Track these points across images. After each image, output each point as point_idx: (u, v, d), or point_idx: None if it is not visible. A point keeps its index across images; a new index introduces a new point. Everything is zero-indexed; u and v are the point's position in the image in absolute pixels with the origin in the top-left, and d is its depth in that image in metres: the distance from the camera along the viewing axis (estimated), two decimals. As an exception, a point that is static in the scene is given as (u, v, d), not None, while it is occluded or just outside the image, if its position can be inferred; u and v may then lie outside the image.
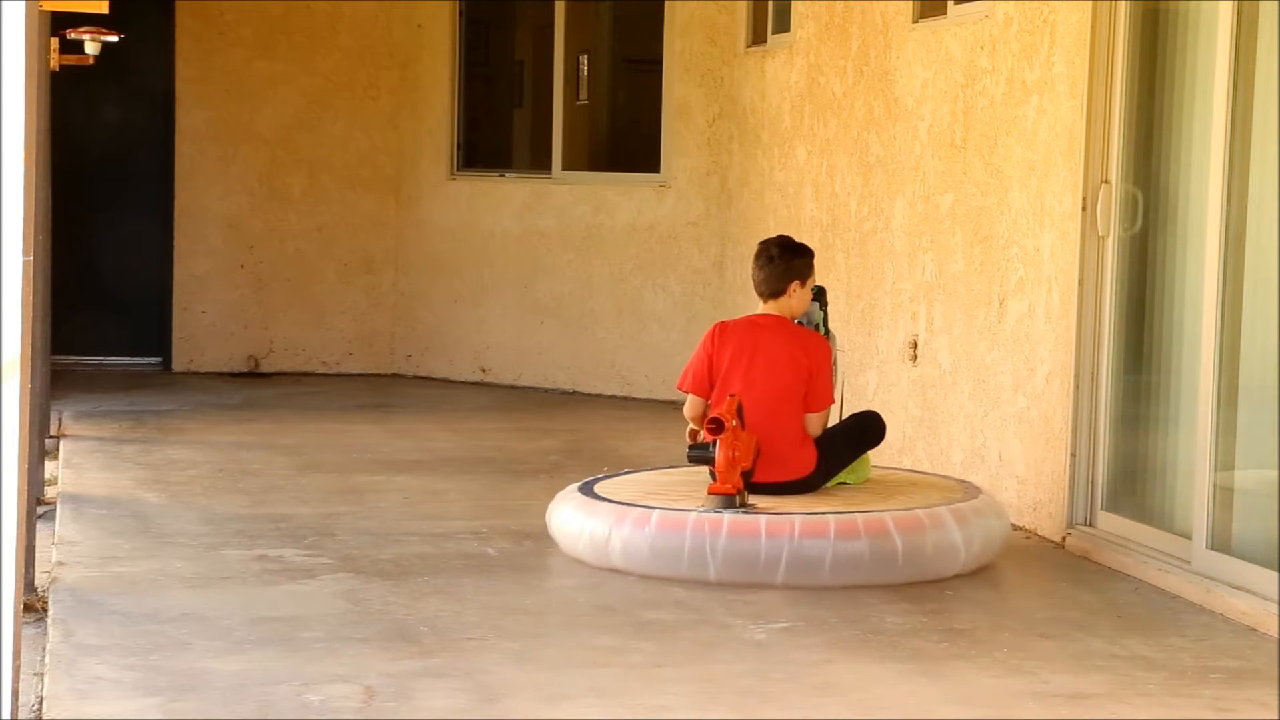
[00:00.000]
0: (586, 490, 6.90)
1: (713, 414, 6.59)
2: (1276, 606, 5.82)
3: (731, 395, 6.68)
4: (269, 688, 4.97)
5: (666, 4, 11.42)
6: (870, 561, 6.35)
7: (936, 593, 6.35)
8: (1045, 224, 7.36)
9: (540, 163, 12.03)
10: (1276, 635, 5.76)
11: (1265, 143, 6.12)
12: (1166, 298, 6.86)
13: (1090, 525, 7.12)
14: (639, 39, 12.25)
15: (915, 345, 8.55)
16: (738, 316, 7.25)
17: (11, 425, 3.51)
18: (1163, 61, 6.89)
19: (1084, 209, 7.08)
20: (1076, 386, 7.13)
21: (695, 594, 6.20)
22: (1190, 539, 6.40)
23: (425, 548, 6.87)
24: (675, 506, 6.57)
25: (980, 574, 6.69)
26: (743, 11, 11.10)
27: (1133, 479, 7.08)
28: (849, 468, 7.08)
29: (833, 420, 7.11)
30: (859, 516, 6.45)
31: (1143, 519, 6.85)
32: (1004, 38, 7.72)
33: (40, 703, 4.88)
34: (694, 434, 6.93)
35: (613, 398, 11.48)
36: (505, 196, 11.98)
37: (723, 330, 7.02)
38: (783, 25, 10.45)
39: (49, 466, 8.50)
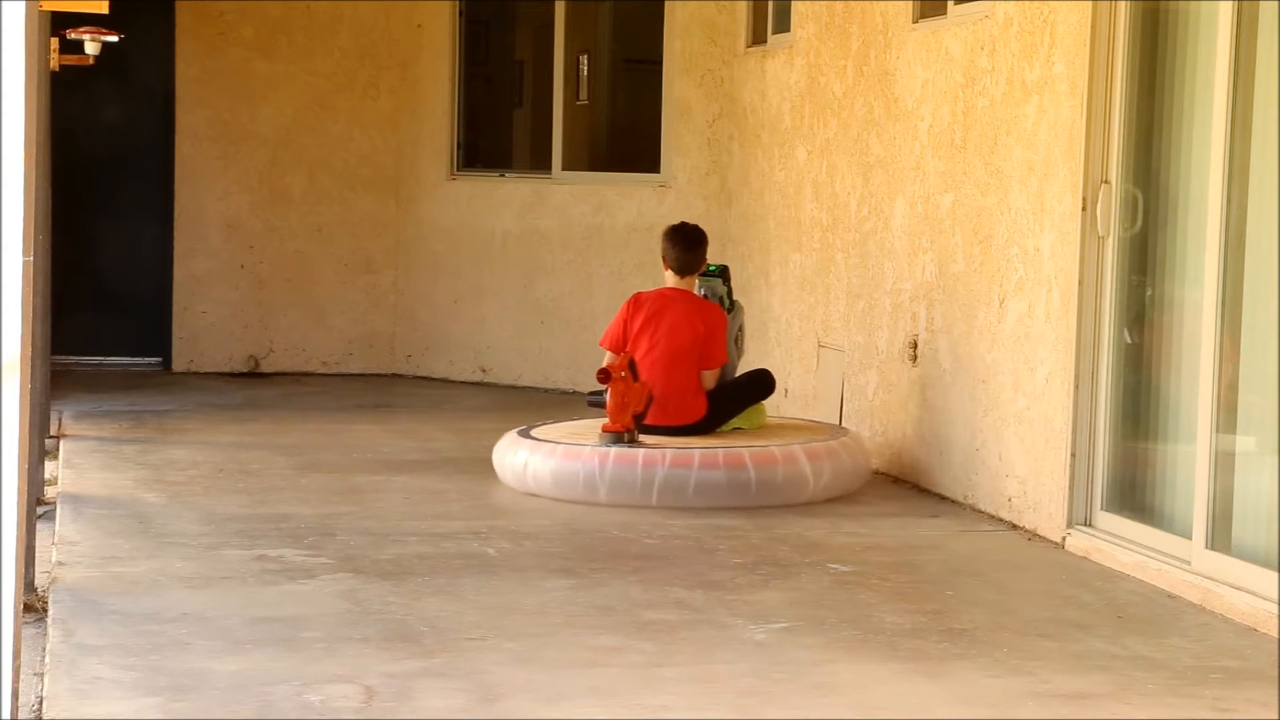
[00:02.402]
0: (523, 433, 8.27)
1: (604, 368, 8.06)
2: (1276, 606, 5.82)
3: (625, 352, 8.24)
4: (269, 688, 4.97)
5: (666, 4, 11.43)
6: (727, 488, 7.77)
7: (937, 593, 6.36)
8: (1045, 224, 7.36)
9: (540, 163, 12.03)
10: (1276, 635, 5.76)
11: (1265, 143, 6.12)
12: (1167, 298, 6.86)
13: (1090, 525, 7.12)
14: (639, 39, 12.25)
15: (915, 345, 8.55)
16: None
17: (11, 425, 3.51)
18: (1163, 61, 6.89)
19: (1084, 209, 7.08)
20: (1076, 386, 7.13)
21: (695, 594, 6.21)
22: (1190, 539, 6.40)
23: (425, 548, 6.88)
24: (576, 442, 7.97)
25: (980, 574, 6.70)
26: (743, 11, 11.11)
27: (1133, 479, 7.08)
28: (743, 415, 8.45)
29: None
30: (720, 451, 7.85)
31: (1143, 519, 6.85)
32: (1004, 38, 7.72)
33: (40, 703, 4.88)
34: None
35: (613, 398, 11.48)
36: (505, 196, 11.98)
37: (637, 299, 8.53)
38: (783, 25, 10.45)
39: (49, 466, 8.50)
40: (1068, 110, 7.19)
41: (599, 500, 7.75)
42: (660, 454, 7.82)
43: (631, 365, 8.14)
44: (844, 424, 9.22)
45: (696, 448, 7.89)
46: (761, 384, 8.55)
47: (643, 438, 8.05)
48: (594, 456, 7.83)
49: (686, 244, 8.51)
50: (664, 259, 8.57)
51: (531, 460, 7.97)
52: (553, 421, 8.72)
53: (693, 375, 8.33)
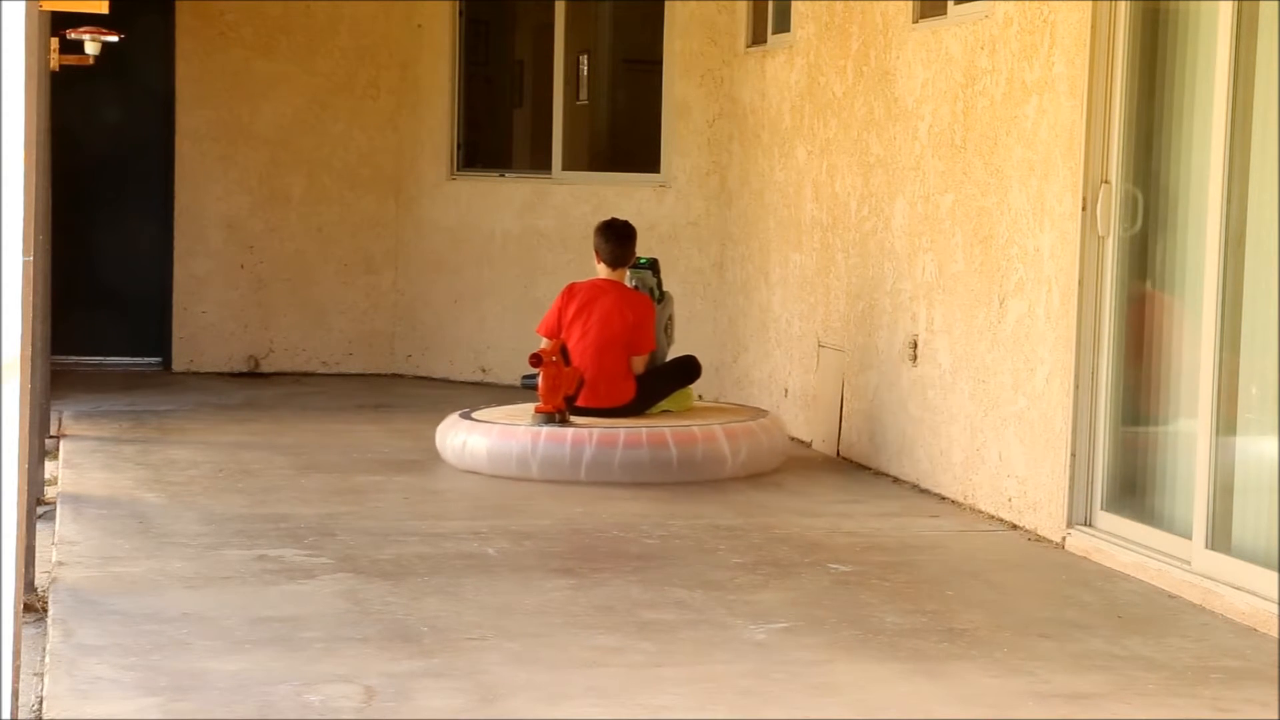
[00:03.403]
0: (464, 415, 8.84)
1: (535, 352, 8.62)
2: (1276, 606, 5.82)
3: (558, 339, 8.83)
4: (269, 688, 4.97)
5: (666, 4, 11.42)
6: (650, 465, 8.35)
7: (937, 592, 6.36)
8: (1045, 224, 7.36)
9: (540, 163, 12.04)
10: (1276, 635, 5.76)
11: (1265, 143, 6.12)
12: (1166, 298, 6.86)
13: (1090, 525, 7.12)
14: (639, 39, 12.25)
15: (915, 345, 8.55)
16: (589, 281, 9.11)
17: (11, 425, 3.51)
18: (1163, 61, 6.89)
19: (1084, 209, 7.08)
20: (1076, 386, 7.13)
21: (695, 594, 6.21)
22: (1190, 539, 6.40)
23: (425, 548, 6.88)
24: (511, 423, 8.54)
25: (980, 574, 6.71)
26: (743, 11, 11.10)
27: (1133, 479, 7.08)
28: (672, 398, 9.05)
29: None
30: (644, 430, 8.44)
31: (1143, 519, 6.85)
32: (1004, 38, 7.72)
33: (40, 703, 4.88)
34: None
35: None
36: (505, 196, 11.98)
37: (571, 289, 9.09)
38: (783, 25, 10.45)
39: (49, 466, 8.50)
40: (1068, 110, 7.19)
41: (532, 476, 8.33)
42: (588, 433, 8.36)
43: (563, 351, 8.72)
44: (844, 424, 9.26)
45: (623, 428, 8.46)
46: (688, 369, 9.15)
47: (575, 418, 8.60)
48: (526, 436, 8.40)
49: (618, 239, 9.07)
50: (597, 253, 9.10)
51: (470, 440, 8.52)
52: (495, 405, 9.26)
53: (622, 361, 8.90)
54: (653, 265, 9.28)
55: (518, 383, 9.67)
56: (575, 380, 8.71)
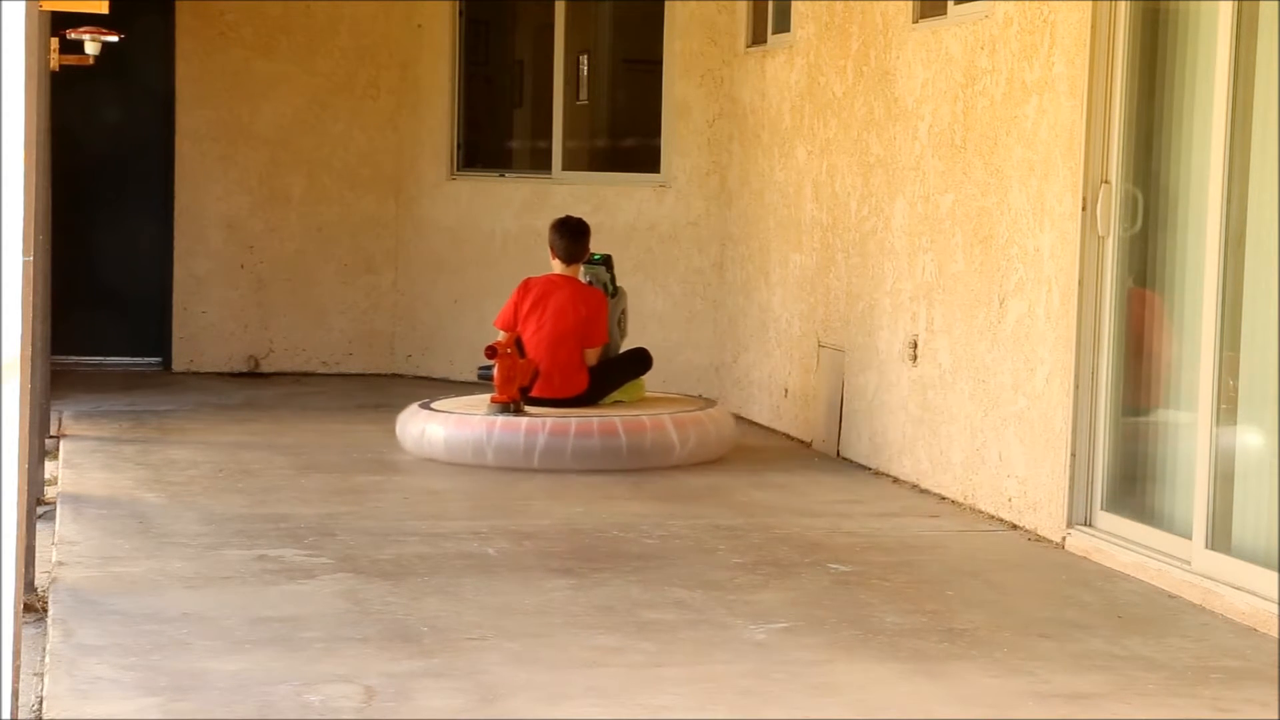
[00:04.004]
0: (423, 405, 9.14)
1: (491, 345, 8.97)
2: (1276, 606, 5.82)
3: (512, 332, 9.17)
4: (269, 688, 4.97)
5: (666, 4, 11.42)
6: (601, 452, 8.67)
7: (937, 593, 6.36)
8: (1045, 224, 7.36)
9: (540, 163, 12.03)
10: (1276, 635, 5.76)
11: (1265, 143, 6.12)
12: (1167, 298, 6.86)
13: (1090, 525, 7.12)
14: (639, 39, 12.25)
15: (915, 345, 8.55)
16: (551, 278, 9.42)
17: (11, 425, 3.51)
18: (1163, 61, 6.89)
19: (1084, 209, 7.08)
20: (1076, 386, 7.13)
21: (695, 594, 6.21)
22: (1190, 539, 6.40)
23: (425, 548, 6.88)
24: (467, 412, 8.88)
25: (980, 574, 6.71)
26: (743, 11, 11.10)
27: (1133, 479, 7.08)
28: (624, 388, 9.36)
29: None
30: (595, 420, 8.77)
31: (1143, 519, 6.85)
32: (1004, 38, 7.72)
33: (40, 703, 4.88)
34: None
35: (613, 398, 11.49)
36: (505, 196, 11.98)
37: (527, 284, 9.40)
38: (783, 25, 10.45)
39: (49, 466, 8.50)
40: (1068, 110, 7.19)
41: (487, 463, 8.65)
42: (541, 422, 8.72)
43: (518, 343, 9.10)
44: (844, 424, 9.27)
45: (575, 417, 8.80)
46: (639, 361, 9.47)
47: (529, 409, 8.95)
48: (482, 424, 8.74)
49: (572, 236, 9.40)
50: (552, 249, 9.41)
51: (428, 428, 8.86)
52: (454, 396, 9.61)
53: (576, 353, 9.22)
54: (606, 261, 9.56)
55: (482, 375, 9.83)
56: (530, 372, 9.06)
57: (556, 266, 9.41)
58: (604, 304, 9.34)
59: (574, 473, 8.55)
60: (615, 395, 9.35)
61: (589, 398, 9.23)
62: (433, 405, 9.14)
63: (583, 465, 8.62)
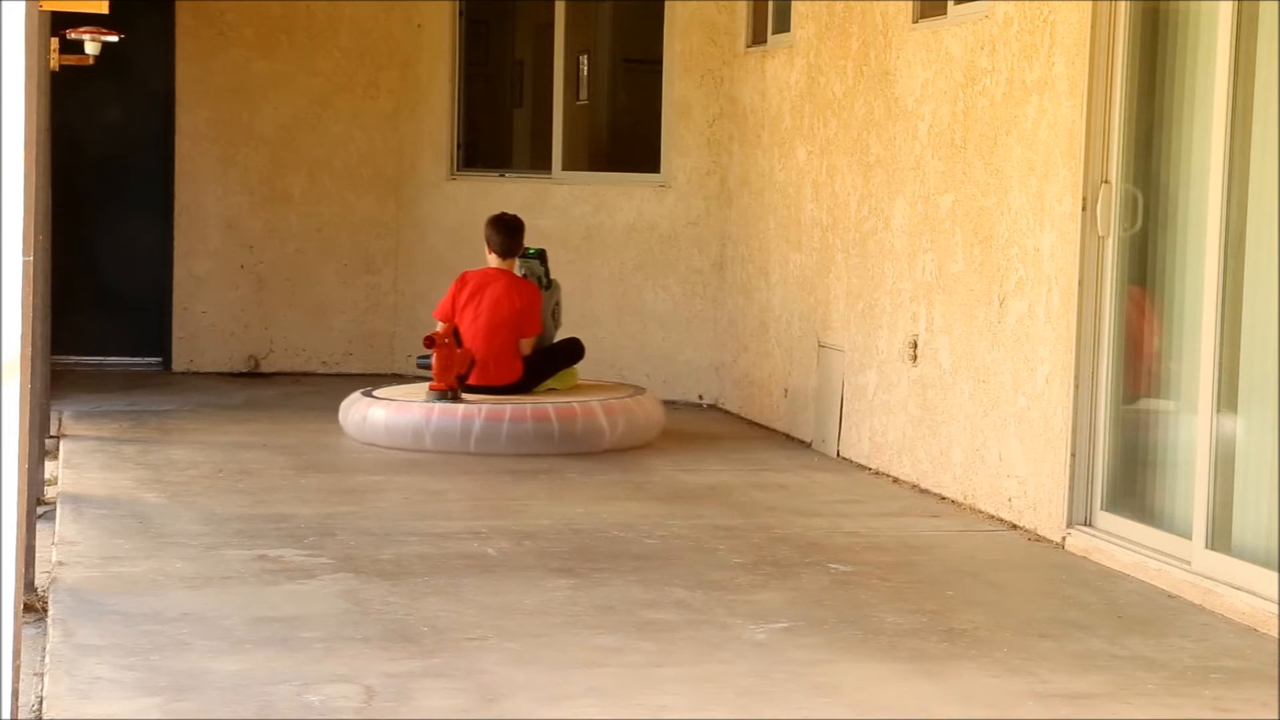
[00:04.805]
0: (365, 393, 9.61)
1: (429, 335, 9.39)
2: (1276, 606, 5.82)
3: (450, 323, 9.59)
4: (269, 688, 4.97)
5: (666, 4, 11.42)
6: (534, 437, 9.10)
7: (937, 593, 6.36)
8: (1045, 224, 7.36)
9: (540, 163, 12.03)
10: (1276, 635, 5.76)
11: (1265, 143, 6.12)
12: (1166, 298, 6.86)
13: (1090, 525, 7.12)
14: (639, 39, 12.25)
15: (915, 345, 8.55)
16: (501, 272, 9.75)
17: (11, 425, 3.51)
18: (1163, 61, 6.89)
19: (1084, 209, 7.08)
20: (1076, 386, 7.13)
21: (695, 594, 6.21)
22: (1190, 539, 6.40)
23: (425, 548, 6.88)
24: (407, 399, 9.32)
25: (980, 574, 6.70)
26: (743, 11, 11.10)
27: (1133, 479, 7.08)
28: (557, 376, 9.77)
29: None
30: (529, 406, 9.20)
31: (1143, 519, 6.85)
32: (1004, 38, 7.72)
33: (40, 703, 4.88)
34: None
35: (613, 398, 11.48)
36: (505, 196, 11.97)
37: (464, 277, 9.81)
38: (783, 25, 10.45)
39: (49, 466, 8.50)
40: (1068, 110, 7.19)
41: (425, 447, 9.06)
42: (477, 409, 9.15)
43: (456, 334, 9.55)
44: (844, 424, 9.28)
45: (509, 404, 9.25)
46: (572, 350, 9.89)
47: (466, 396, 9.36)
48: (420, 411, 9.16)
49: (508, 231, 9.82)
50: (488, 244, 9.82)
51: (369, 414, 9.29)
52: (395, 385, 10.13)
53: (511, 343, 9.63)
54: (540, 255, 9.96)
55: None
56: (467, 361, 9.47)
57: (493, 260, 9.80)
58: (538, 296, 9.73)
59: (573, 473, 8.57)
60: (549, 383, 9.73)
61: (523, 385, 9.60)
62: (374, 393, 9.55)
63: (517, 450, 9.03)
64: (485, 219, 9.96)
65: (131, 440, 9.39)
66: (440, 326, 9.68)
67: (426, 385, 9.47)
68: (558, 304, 10.01)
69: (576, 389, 9.81)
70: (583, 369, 10.12)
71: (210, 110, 12.18)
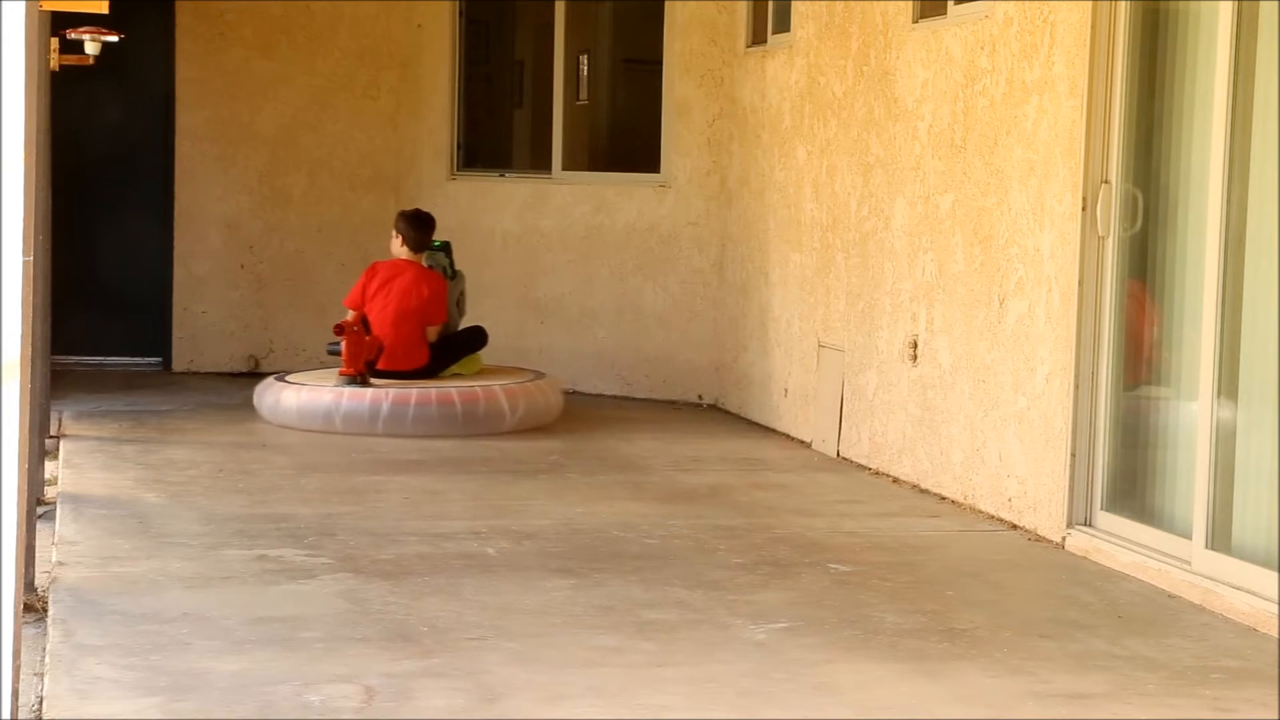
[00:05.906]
0: (279, 378, 10.15)
1: (339, 323, 9.98)
2: (1276, 606, 5.82)
3: (359, 311, 10.15)
4: (269, 688, 4.97)
5: (666, 4, 11.42)
6: (439, 419, 9.63)
7: (936, 593, 6.36)
8: (1045, 224, 7.36)
9: (540, 163, 12.03)
10: (1276, 635, 5.76)
11: (1265, 143, 6.12)
12: (1167, 298, 6.86)
13: (1090, 525, 7.12)
14: (639, 39, 12.25)
15: (915, 345, 8.55)
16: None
17: (11, 425, 3.51)
18: (1163, 61, 6.89)
19: (1084, 209, 7.08)
20: (1076, 386, 7.13)
21: (695, 594, 6.21)
22: (1190, 539, 6.40)
23: (425, 548, 6.88)
24: (317, 384, 9.84)
25: (980, 574, 6.71)
26: (743, 11, 11.10)
27: (1133, 479, 7.08)
28: (462, 362, 10.31)
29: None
30: (434, 390, 9.74)
31: (1143, 519, 6.85)
32: (1004, 38, 7.72)
33: (40, 703, 4.88)
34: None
35: (613, 397, 11.49)
36: (505, 196, 11.98)
37: (374, 268, 10.35)
38: (783, 25, 10.45)
39: (49, 466, 8.50)
40: (1068, 110, 7.19)
41: (335, 429, 9.58)
42: (385, 393, 9.71)
43: (365, 322, 10.08)
44: (844, 424, 9.29)
45: (416, 388, 9.79)
46: (475, 338, 10.43)
47: (375, 380, 9.89)
48: (331, 395, 9.69)
49: (420, 226, 10.34)
50: (401, 236, 10.33)
51: (282, 398, 9.80)
52: (308, 370, 10.68)
53: (418, 330, 10.16)
54: (445, 247, 10.52)
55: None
56: (375, 347, 10.00)
57: (403, 252, 10.32)
58: (444, 286, 10.29)
59: (573, 473, 8.60)
60: (454, 369, 10.27)
61: (429, 371, 10.15)
62: (287, 378, 10.08)
63: (422, 431, 9.56)
64: (396, 213, 10.60)
65: (131, 440, 9.39)
66: (350, 314, 10.19)
67: (332, 370, 10.06)
68: (462, 293, 10.52)
69: (481, 374, 10.31)
70: (487, 355, 10.60)
71: (210, 110, 12.18)
